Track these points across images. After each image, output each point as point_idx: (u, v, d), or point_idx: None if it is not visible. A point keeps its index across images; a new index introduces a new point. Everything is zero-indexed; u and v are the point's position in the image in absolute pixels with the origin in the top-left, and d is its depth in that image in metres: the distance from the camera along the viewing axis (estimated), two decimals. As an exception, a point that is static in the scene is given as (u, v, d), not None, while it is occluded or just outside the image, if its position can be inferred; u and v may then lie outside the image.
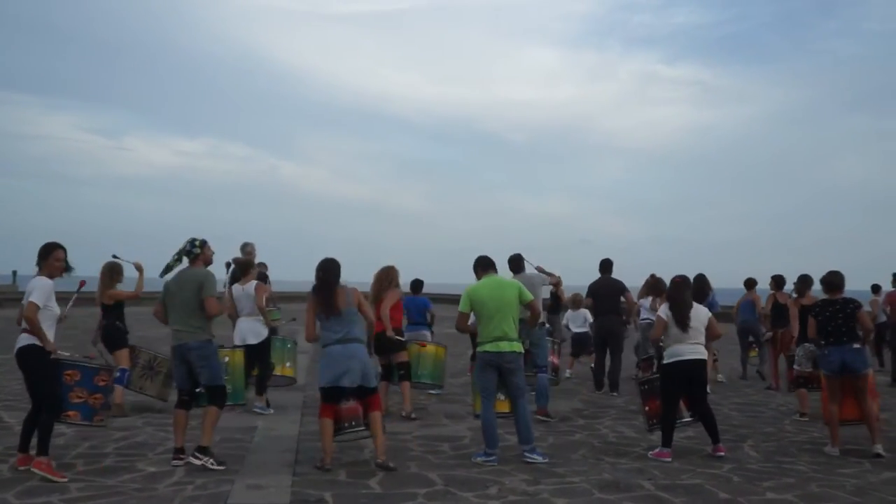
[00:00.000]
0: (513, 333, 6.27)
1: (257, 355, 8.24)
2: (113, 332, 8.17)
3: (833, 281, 6.92)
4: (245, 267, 8.53)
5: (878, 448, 6.51)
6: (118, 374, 8.08)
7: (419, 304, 9.93)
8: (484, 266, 6.58)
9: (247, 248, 9.35)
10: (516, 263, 8.65)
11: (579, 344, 11.71)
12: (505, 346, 6.20)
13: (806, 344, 7.73)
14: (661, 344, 6.79)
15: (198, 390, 5.99)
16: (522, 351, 6.39)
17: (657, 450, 6.41)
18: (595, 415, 8.50)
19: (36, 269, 5.74)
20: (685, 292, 6.75)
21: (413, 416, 8.01)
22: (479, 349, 6.33)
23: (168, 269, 6.00)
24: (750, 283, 12.11)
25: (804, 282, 8.80)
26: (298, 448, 6.49)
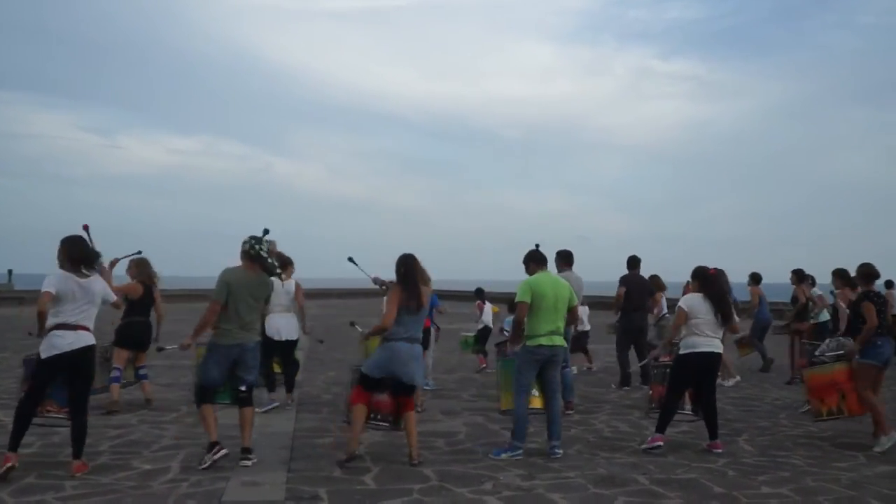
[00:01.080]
0: (563, 329, 6.46)
1: (288, 353, 8.32)
2: (150, 332, 8.33)
3: (873, 273, 6.98)
4: (285, 263, 8.57)
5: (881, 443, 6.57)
6: (144, 373, 8.33)
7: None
8: (538, 261, 6.67)
9: (269, 247, 9.30)
10: (567, 258, 8.63)
11: (577, 340, 11.77)
12: (558, 341, 6.37)
13: (841, 338, 7.64)
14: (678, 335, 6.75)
15: (242, 388, 5.93)
16: (567, 346, 6.61)
17: (650, 437, 6.46)
18: (590, 410, 8.51)
19: (62, 264, 5.64)
20: (723, 284, 6.74)
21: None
22: (530, 343, 6.30)
23: (276, 274, 6.09)
24: (758, 279, 12.15)
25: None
26: (293, 445, 6.48)
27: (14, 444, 5.49)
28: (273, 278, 8.22)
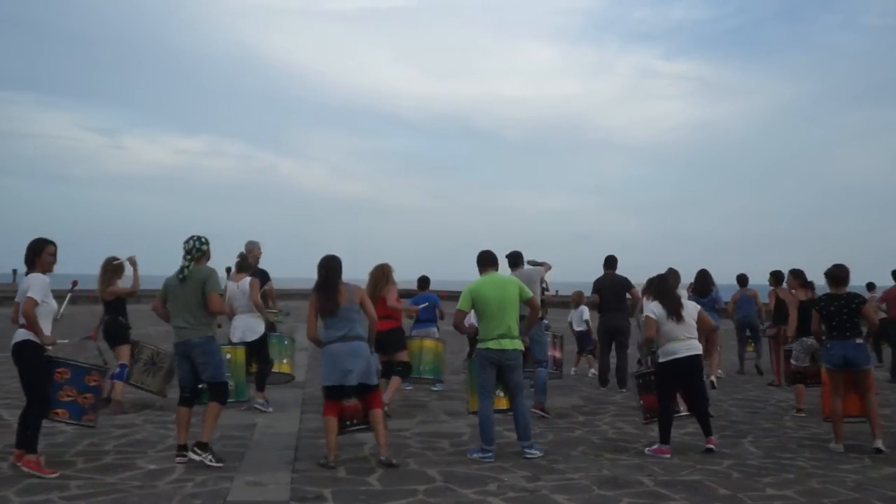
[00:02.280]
0: (515, 331, 6.31)
1: (255, 352, 8.27)
2: (115, 328, 8.23)
3: (838, 275, 6.85)
4: (241, 265, 8.59)
5: (879, 443, 6.51)
6: (118, 369, 8.07)
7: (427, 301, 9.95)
8: (485, 262, 6.59)
9: (249, 247, 9.34)
10: (515, 259, 8.62)
11: (580, 342, 11.72)
12: (507, 344, 6.24)
13: (804, 339, 7.68)
14: (653, 343, 6.79)
15: (200, 386, 5.99)
16: (523, 349, 6.42)
17: (655, 446, 6.42)
18: (595, 411, 8.50)
19: (25, 267, 5.73)
20: (671, 284, 6.79)
21: (386, 409, 8.02)
22: (480, 346, 6.32)
23: (187, 271, 5.89)
24: (743, 280, 12.24)
25: (797, 276, 8.86)
26: (298, 445, 6.49)
27: (19, 443, 5.63)
28: (230, 282, 8.26)
